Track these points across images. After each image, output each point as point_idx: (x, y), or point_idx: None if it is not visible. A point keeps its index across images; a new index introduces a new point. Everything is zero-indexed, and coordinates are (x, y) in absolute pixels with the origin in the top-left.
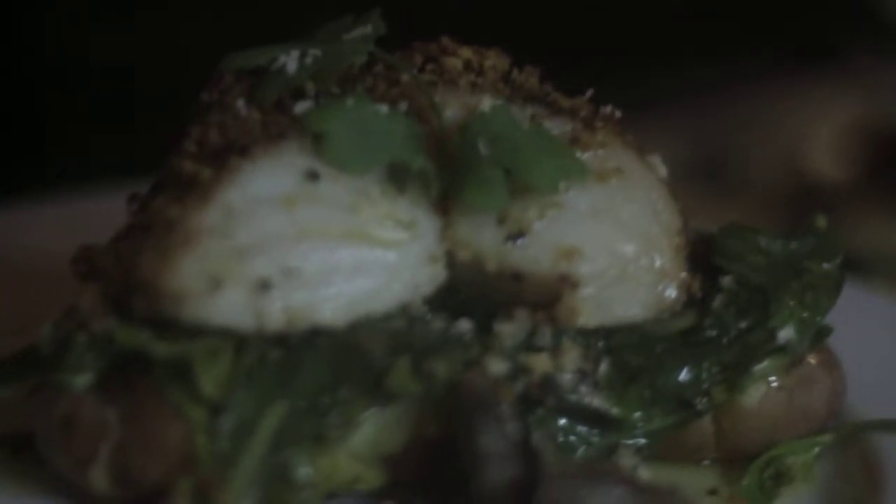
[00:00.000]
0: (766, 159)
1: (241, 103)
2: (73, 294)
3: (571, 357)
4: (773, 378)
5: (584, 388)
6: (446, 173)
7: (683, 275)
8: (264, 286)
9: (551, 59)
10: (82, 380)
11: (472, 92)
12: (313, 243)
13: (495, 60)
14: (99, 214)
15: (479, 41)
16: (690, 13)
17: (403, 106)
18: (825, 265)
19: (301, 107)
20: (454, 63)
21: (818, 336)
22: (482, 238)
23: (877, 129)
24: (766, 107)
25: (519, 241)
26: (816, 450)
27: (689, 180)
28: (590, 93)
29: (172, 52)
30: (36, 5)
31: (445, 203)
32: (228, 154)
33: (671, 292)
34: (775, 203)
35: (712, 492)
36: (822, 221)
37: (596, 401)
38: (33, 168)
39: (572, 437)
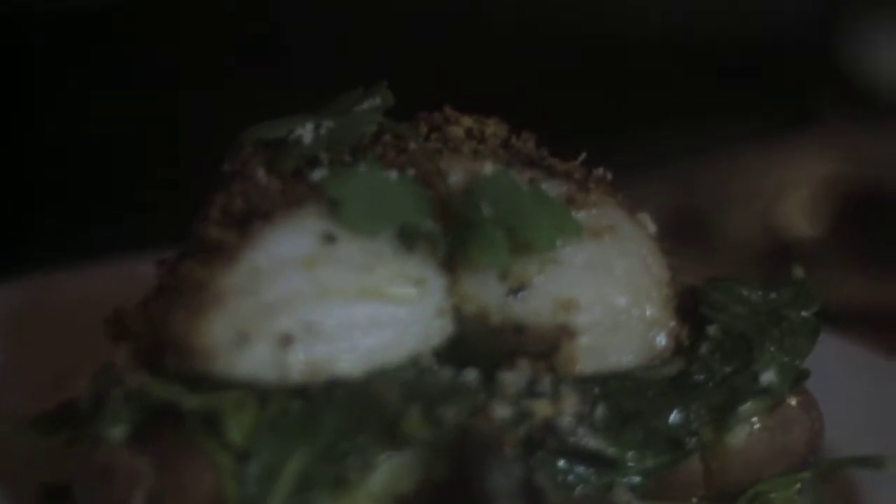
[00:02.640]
0: (743, 218)
1: (261, 172)
2: (108, 351)
3: (570, 402)
4: (756, 419)
5: (581, 431)
6: (452, 234)
7: (672, 324)
8: (287, 341)
9: (546, 127)
10: (118, 431)
11: (475, 158)
12: (332, 300)
13: (495, 128)
14: (127, 279)
15: (479, 110)
16: (674, 84)
17: (411, 172)
18: (803, 313)
19: (317, 175)
20: (457, 131)
21: (797, 379)
22: (486, 293)
23: (847, 188)
24: (744, 169)
25: (520, 295)
26: (798, 485)
27: (673, 238)
28: (582, 157)
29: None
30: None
31: (452, 261)
32: (252, 219)
33: (661, 340)
34: (753, 258)
35: None
36: (798, 272)
37: (593, 442)
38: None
39: (571, 477)
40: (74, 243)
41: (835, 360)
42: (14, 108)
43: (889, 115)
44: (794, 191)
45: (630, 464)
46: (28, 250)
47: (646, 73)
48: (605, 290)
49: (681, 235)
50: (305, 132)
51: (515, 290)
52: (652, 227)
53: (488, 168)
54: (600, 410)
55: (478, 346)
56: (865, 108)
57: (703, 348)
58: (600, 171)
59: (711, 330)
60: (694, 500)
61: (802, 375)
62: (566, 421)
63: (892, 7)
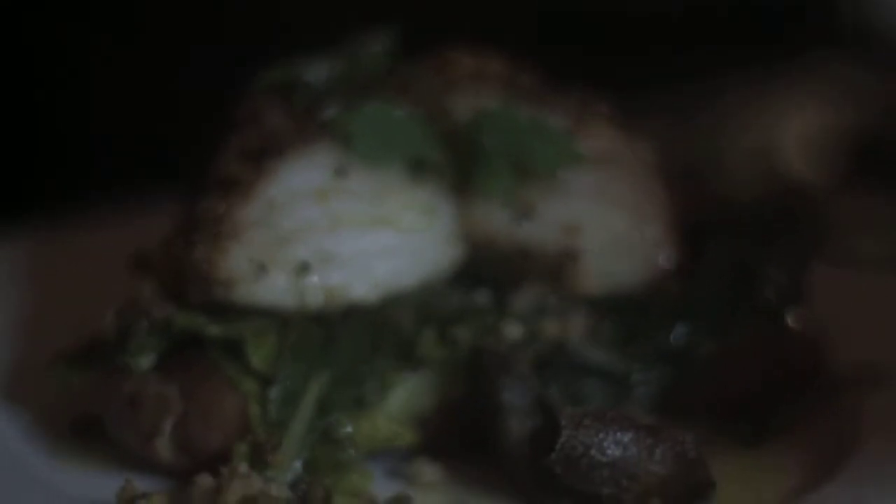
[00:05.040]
0: (740, 160)
1: (274, 112)
2: (131, 291)
3: (577, 321)
4: (758, 336)
5: (589, 349)
6: (459, 165)
7: (673, 244)
8: (304, 269)
9: (547, 64)
10: (145, 361)
11: (477, 94)
12: (346, 230)
13: (496, 66)
14: (144, 223)
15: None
16: (665, 32)
17: (418, 109)
18: (798, 234)
19: (328, 112)
20: (460, 70)
21: (798, 297)
22: (493, 219)
23: (853, 135)
24: (741, 109)
25: (525, 221)
26: (800, 402)
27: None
28: (582, 91)
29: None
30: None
31: (459, 191)
32: (266, 156)
33: (663, 260)
34: (751, 202)
35: (708, 439)
36: (792, 199)
37: (601, 359)
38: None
39: (581, 393)
40: (86, 195)
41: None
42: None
43: (890, 57)
44: (793, 133)
45: (637, 379)
46: (39, 203)
47: (636, 21)
48: (607, 214)
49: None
50: (315, 73)
51: (521, 216)
52: (652, 154)
53: (491, 102)
54: (607, 328)
55: (487, 270)
56: (865, 51)
57: (705, 268)
58: (599, 102)
59: (712, 251)
60: (698, 414)
61: (802, 294)
62: (574, 339)
63: None
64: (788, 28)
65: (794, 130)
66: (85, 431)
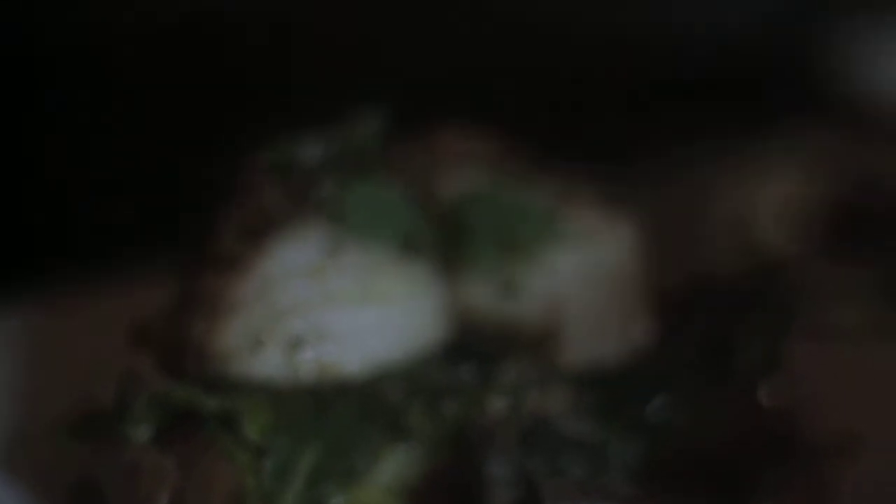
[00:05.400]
0: (717, 230)
1: (270, 190)
2: (129, 362)
3: (559, 394)
4: (735, 407)
5: (571, 420)
6: (447, 242)
7: (653, 320)
8: (298, 344)
9: (532, 143)
10: (143, 432)
11: (465, 172)
12: (339, 306)
13: (483, 146)
14: (142, 295)
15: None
16: (648, 107)
17: (408, 187)
18: (777, 306)
19: (322, 191)
20: (448, 148)
21: (774, 368)
22: (480, 295)
23: (823, 200)
24: (715, 182)
25: (511, 296)
26: (777, 472)
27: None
28: (566, 168)
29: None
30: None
31: (448, 267)
32: (263, 233)
33: (642, 334)
34: (728, 273)
35: None
36: (773, 268)
37: (582, 431)
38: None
39: (563, 464)
40: (85, 265)
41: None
42: (22, 129)
43: (867, 125)
44: (769, 204)
45: (617, 450)
46: (37, 274)
47: (615, 95)
48: (590, 290)
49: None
50: (310, 153)
51: (505, 293)
52: (633, 232)
53: (478, 182)
54: (587, 400)
55: (473, 344)
56: (841, 119)
57: (683, 341)
58: (583, 184)
59: (690, 324)
60: (678, 483)
61: (778, 365)
62: (555, 412)
63: (865, 17)
64: (766, 97)
65: (770, 201)
66: (82, 499)
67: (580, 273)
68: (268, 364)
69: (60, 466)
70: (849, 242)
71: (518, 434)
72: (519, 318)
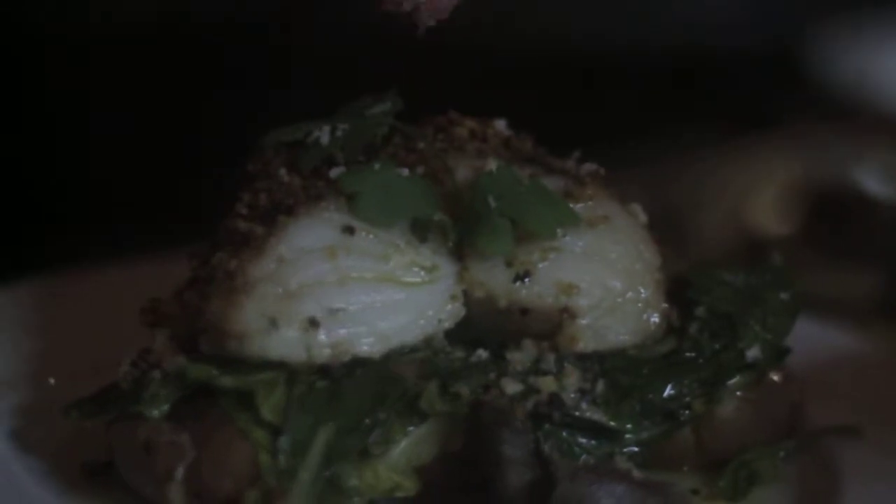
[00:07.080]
0: (715, 217)
1: (283, 171)
2: (143, 340)
3: (573, 378)
4: (742, 392)
5: (584, 405)
6: (461, 225)
7: (664, 306)
8: (312, 324)
9: (542, 130)
10: (158, 410)
11: (479, 156)
12: (352, 287)
13: (495, 129)
14: (157, 274)
15: (481, 114)
16: (638, 92)
17: (421, 169)
18: (782, 295)
19: (335, 172)
20: (461, 132)
21: (780, 355)
22: (493, 279)
23: (813, 187)
24: (711, 172)
25: (525, 281)
26: (782, 453)
27: (655, 233)
28: (576, 155)
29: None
30: None
31: (461, 250)
32: (276, 214)
33: (654, 320)
34: (727, 255)
35: (695, 491)
36: (776, 258)
37: (594, 415)
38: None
39: (576, 447)
40: (99, 243)
41: (811, 340)
42: (33, 106)
43: (851, 117)
44: (763, 191)
45: (628, 434)
46: (53, 249)
47: (612, 81)
48: (602, 275)
49: (659, 232)
50: (322, 134)
51: (520, 276)
52: (643, 217)
53: (492, 164)
54: (600, 386)
55: (487, 328)
56: (826, 110)
57: (693, 328)
58: (594, 166)
59: (699, 311)
60: (685, 468)
61: (784, 352)
62: (569, 396)
63: (849, 10)
64: (763, 92)
65: (765, 191)
66: (97, 476)
67: (593, 257)
68: (282, 343)
69: (75, 443)
70: (827, 226)
71: (531, 417)
72: (532, 302)
